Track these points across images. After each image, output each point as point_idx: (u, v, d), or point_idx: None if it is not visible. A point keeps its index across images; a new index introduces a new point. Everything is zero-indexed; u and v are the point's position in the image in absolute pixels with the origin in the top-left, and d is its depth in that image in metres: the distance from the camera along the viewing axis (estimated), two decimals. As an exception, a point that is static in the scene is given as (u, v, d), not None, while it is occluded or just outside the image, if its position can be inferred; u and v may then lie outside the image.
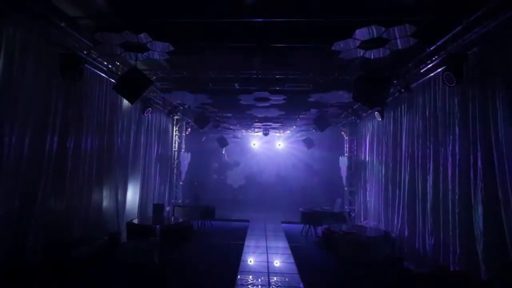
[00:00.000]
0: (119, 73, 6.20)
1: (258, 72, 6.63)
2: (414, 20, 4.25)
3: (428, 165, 5.89)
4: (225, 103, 9.42)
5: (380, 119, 8.07)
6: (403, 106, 7.16)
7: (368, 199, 9.53)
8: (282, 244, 8.31)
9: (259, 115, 10.66)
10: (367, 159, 9.79)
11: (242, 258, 6.79)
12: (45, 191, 4.85)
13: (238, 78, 6.97)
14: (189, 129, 12.52)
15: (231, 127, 13.36)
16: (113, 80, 6.27)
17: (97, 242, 5.24)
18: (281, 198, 15.08)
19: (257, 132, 14.73)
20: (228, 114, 11.07)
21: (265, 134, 14.41)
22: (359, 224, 8.94)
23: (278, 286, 5.28)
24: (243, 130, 14.53)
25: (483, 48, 4.47)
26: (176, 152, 11.58)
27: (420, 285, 5.30)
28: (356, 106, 9.11)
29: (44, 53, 4.75)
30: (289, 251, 7.47)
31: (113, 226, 6.99)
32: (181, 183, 11.79)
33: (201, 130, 10.75)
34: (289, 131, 14.26)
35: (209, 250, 7.45)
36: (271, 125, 12.65)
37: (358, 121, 10.03)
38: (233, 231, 9.96)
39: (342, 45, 4.98)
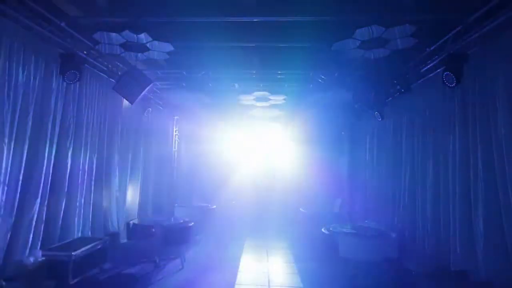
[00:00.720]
0: (119, 73, 6.20)
1: (258, 72, 6.62)
2: (414, 20, 4.25)
3: (428, 165, 5.89)
4: (225, 103, 9.41)
5: (380, 119, 8.06)
6: (403, 106, 7.15)
7: (368, 199, 9.52)
8: (282, 244, 8.31)
9: (259, 115, 10.66)
10: (367, 159, 9.78)
11: (242, 258, 6.80)
12: (45, 191, 4.85)
13: (238, 78, 6.97)
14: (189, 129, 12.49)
15: (230, 126, 13.36)
16: (113, 80, 6.26)
17: (97, 242, 5.23)
18: (280, 198, 15.06)
19: (257, 132, 14.72)
20: (228, 114, 11.07)
21: (265, 134, 14.38)
22: (359, 224, 8.93)
23: (278, 286, 5.28)
24: (243, 130, 14.52)
25: (483, 48, 4.47)
26: (176, 152, 11.57)
27: (420, 285, 5.30)
28: (356, 106, 9.09)
29: (44, 53, 4.76)
30: (289, 251, 7.48)
31: (113, 226, 6.99)
32: (181, 183, 11.78)
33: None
34: (289, 131, 14.24)
35: (209, 250, 7.45)
36: (271, 125, 12.65)
37: (358, 121, 10.01)
38: (233, 231, 9.96)
39: (342, 45, 4.98)
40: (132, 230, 6.31)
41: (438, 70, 5.34)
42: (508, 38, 3.99)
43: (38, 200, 4.70)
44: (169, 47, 5.24)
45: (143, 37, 4.87)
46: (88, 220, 6.11)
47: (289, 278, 5.67)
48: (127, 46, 5.25)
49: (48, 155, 4.90)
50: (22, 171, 4.40)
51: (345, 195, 11.13)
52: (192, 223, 6.67)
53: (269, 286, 5.23)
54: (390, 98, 7.30)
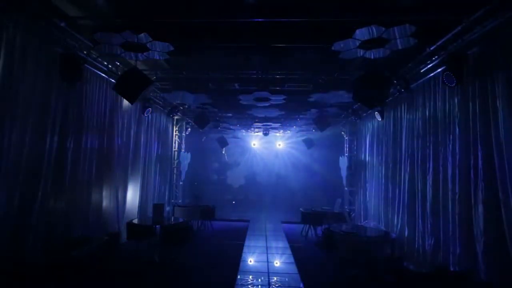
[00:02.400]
0: (119, 73, 6.20)
1: (258, 72, 6.63)
2: (414, 20, 4.25)
3: (428, 165, 5.89)
4: (225, 103, 9.42)
5: (380, 119, 8.07)
6: (403, 106, 7.16)
7: (368, 199, 9.53)
8: (282, 244, 8.31)
9: (259, 115, 10.66)
10: (367, 159, 9.79)
11: (242, 258, 6.80)
12: (45, 191, 4.85)
13: (238, 78, 6.98)
14: (189, 129, 12.52)
15: (231, 127, 13.36)
16: (113, 80, 6.27)
17: (97, 242, 5.24)
18: (281, 198, 15.08)
19: (257, 132, 14.73)
20: (228, 114, 11.07)
21: (265, 134, 14.41)
22: (359, 224, 8.94)
23: (278, 286, 5.28)
24: (243, 130, 14.53)
25: (483, 48, 4.47)
26: (176, 152, 11.58)
27: (420, 285, 5.30)
28: (356, 106, 9.11)
29: (44, 53, 4.75)
30: (289, 251, 7.48)
31: (113, 226, 6.99)
32: (181, 183, 11.79)
33: (201, 130, 10.74)
34: (289, 131, 14.26)
35: (209, 250, 7.46)
36: (271, 125, 12.65)
37: (358, 121, 10.03)
38: (233, 231, 9.97)
39: (342, 45, 4.98)
40: (132, 230, 6.30)
41: (438, 70, 5.34)
42: (508, 38, 3.99)
43: (38, 199, 4.70)
44: (169, 47, 5.24)
45: (143, 37, 4.88)
46: (88, 220, 6.11)
47: (289, 278, 5.67)
48: (127, 46, 5.25)
49: (48, 154, 4.90)
50: (22, 171, 4.40)
51: (345, 195, 11.14)
52: (192, 223, 6.67)
53: (269, 286, 5.24)
54: (390, 98, 7.32)
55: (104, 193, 6.69)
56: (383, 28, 4.43)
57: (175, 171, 11.43)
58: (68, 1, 4.19)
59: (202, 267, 6.10)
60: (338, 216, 8.94)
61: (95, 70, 5.99)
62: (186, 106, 9.94)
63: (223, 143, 13.98)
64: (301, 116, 10.84)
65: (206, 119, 10.00)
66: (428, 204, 5.82)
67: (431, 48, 5.08)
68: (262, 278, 5.61)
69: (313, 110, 9.82)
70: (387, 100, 7.39)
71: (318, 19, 4.46)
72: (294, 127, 13.03)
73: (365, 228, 6.94)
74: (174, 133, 11.50)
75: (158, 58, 5.77)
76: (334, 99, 8.34)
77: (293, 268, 6.18)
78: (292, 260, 6.75)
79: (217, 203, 10.93)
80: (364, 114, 9.66)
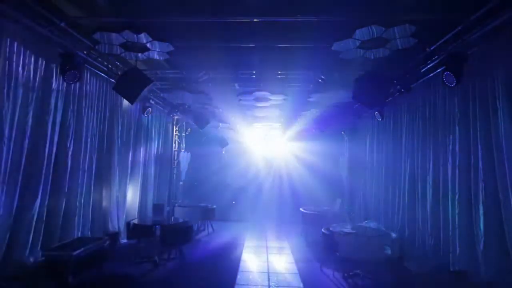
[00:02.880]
0: (119, 73, 6.19)
1: (258, 72, 6.62)
2: (414, 20, 4.25)
3: (428, 165, 5.89)
4: (225, 103, 9.41)
5: (380, 119, 8.07)
6: (403, 106, 7.16)
7: (368, 199, 9.53)
8: (282, 244, 8.31)
9: (259, 115, 10.66)
10: (367, 159, 9.78)
11: (242, 258, 6.80)
12: (45, 191, 4.85)
13: (238, 78, 6.98)
14: (189, 129, 12.51)
15: (230, 127, 13.36)
16: (113, 80, 6.26)
17: (97, 242, 5.23)
18: (281, 198, 15.06)
19: (257, 132, 14.73)
20: (228, 114, 11.06)
21: (265, 134, 14.39)
22: (359, 224, 8.93)
23: (278, 286, 5.27)
24: (243, 130, 14.53)
25: (483, 48, 4.47)
26: (176, 152, 11.57)
27: (420, 285, 5.30)
28: (356, 106, 9.11)
29: (44, 53, 4.76)
30: (289, 251, 7.48)
31: (113, 226, 7.00)
32: (181, 183, 11.78)
33: (201, 130, 10.74)
34: (289, 131, 14.26)
35: (209, 250, 7.46)
36: (271, 125, 12.65)
37: (358, 121, 10.01)
38: (233, 231, 9.97)
39: (342, 45, 4.98)
40: (132, 230, 6.30)
41: (438, 70, 5.34)
42: (508, 38, 3.99)
43: (38, 200, 4.70)
44: (169, 47, 5.24)
45: (143, 37, 4.88)
46: (88, 220, 6.11)
47: (290, 278, 5.67)
48: (127, 46, 5.25)
49: (48, 154, 4.90)
50: (22, 171, 4.40)
51: (345, 195, 11.14)
52: (192, 223, 6.67)
53: (269, 286, 5.23)
54: (390, 98, 7.32)
55: (104, 193, 6.69)
56: (383, 28, 4.43)
57: (175, 171, 11.42)
58: (68, 1, 4.19)
59: (202, 267, 6.09)
60: (338, 216, 8.93)
61: (95, 70, 6.00)
62: (186, 106, 9.93)
63: (223, 143, 13.96)
64: (301, 116, 10.83)
65: (206, 119, 9.99)
66: (428, 204, 5.83)
67: (431, 48, 5.08)
68: (262, 278, 5.61)
69: (313, 110, 9.81)
70: (387, 100, 7.39)
71: (318, 19, 4.46)
72: (294, 127, 13.02)
73: (365, 228, 6.93)
74: (174, 133, 11.49)
75: (158, 58, 5.76)
76: (334, 99, 8.34)
77: (293, 268, 6.18)
78: (292, 260, 6.75)
79: (217, 203, 10.92)
80: (364, 114, 9.66)
